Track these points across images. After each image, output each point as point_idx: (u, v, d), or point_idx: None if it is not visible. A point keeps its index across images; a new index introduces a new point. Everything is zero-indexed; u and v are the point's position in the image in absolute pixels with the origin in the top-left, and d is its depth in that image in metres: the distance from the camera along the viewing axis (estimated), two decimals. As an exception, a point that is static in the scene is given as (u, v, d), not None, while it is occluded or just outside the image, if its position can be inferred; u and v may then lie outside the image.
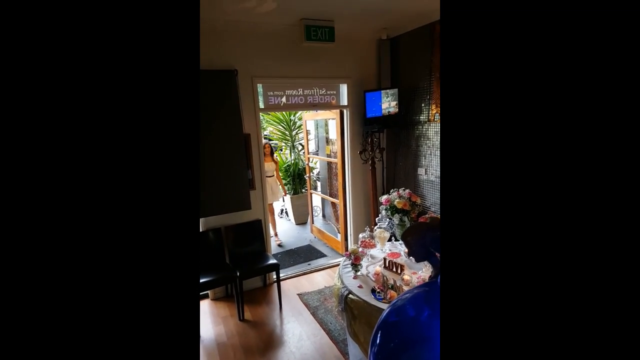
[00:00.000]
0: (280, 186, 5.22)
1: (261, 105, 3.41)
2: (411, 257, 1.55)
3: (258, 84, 3.34)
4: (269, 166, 4.77)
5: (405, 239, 0.69)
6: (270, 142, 5.77)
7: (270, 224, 4.83)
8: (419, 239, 0.63)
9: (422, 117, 3.49)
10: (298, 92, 3.57)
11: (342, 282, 2.33)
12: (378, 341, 0.63)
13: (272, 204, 5.10)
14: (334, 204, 4.88)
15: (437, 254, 0.60)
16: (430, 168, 3.48)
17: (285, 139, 6.43)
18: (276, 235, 5.08)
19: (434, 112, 3.35)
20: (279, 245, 4.83)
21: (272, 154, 4.99)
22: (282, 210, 6.43)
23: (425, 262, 1.84)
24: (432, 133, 3.40)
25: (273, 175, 4.99)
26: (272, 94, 3.46)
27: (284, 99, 3.53)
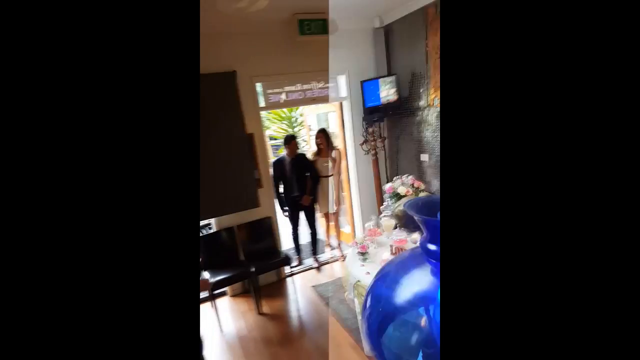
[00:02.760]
0: (335, 193, 3.83)
1: (262, 104, 3.46)
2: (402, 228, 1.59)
3: (257, 83, 3.40)
4: (323, 163, 3.74)
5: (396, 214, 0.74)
6: (324, 131, 3.80)
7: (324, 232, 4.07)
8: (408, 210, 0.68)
9: (422, 103, 3.51)
10: (297, 87, 3.61)
11: (350, 271, 2.39)
12: (368, 304, 0.68)
13: (327, 213, 4.02)
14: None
15: (415, 217, 0.64)
16: (433, 154, 3.50)
17: (289, 136, 6.43)
18: (335, 246, 4.05)
19: (433, 96, 3.36)
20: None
21: (329, 146, 3.76)
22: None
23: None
24: (433, 118, 3.42)
25: (331, 175, 3.82)
26: (271, 91, 3.51)
27: (283, 96, 3.57)
